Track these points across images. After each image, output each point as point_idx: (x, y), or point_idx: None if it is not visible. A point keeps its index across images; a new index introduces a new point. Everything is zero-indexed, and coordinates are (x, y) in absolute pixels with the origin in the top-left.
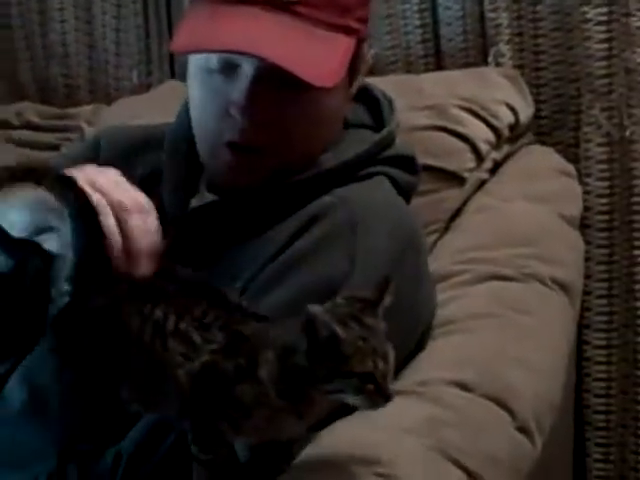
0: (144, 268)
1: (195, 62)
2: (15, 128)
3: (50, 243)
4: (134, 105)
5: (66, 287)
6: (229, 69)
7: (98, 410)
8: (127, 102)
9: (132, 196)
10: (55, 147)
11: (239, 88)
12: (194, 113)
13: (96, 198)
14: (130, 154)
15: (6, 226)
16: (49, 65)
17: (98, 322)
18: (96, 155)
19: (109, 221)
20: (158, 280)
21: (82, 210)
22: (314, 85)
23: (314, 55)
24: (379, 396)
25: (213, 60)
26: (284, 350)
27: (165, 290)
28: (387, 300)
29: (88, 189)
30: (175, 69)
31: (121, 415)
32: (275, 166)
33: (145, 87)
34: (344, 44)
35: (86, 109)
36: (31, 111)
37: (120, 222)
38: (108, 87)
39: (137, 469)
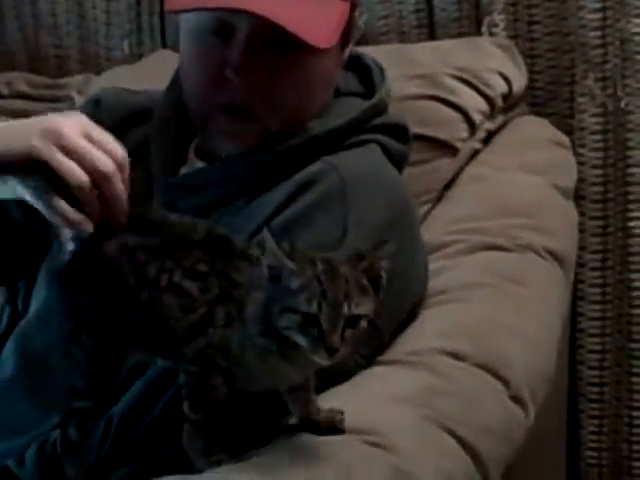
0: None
1: (188, 23)
2: (5, 97)
3: None
4: (125, 75)
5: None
6: (224, 30)
7: (99, 366)
8: (118, 71)
9: (107, 149)
10: None
11: (234, 49)
12: (187, 77)
13: (70, 170)
14: (125, 122)
15: None
16: (39, 35)
17: (100, 278)
18: (97, 116)
19: (87, 196)
20: (146, 232)
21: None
22: (310, 45)
23: (311, 16)
24: (322, 344)
25: (208, 20)
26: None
27: (154, 244)
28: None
29: (60, 158)
30: (166, 38)
31: (118, 374)
32: (268, 130)
33: (136, 57)
34: (339, 7)
35: (77, 79)
36: (21, 81)
37: (100, 190)
38: (99, 57)
39: (127, 434)
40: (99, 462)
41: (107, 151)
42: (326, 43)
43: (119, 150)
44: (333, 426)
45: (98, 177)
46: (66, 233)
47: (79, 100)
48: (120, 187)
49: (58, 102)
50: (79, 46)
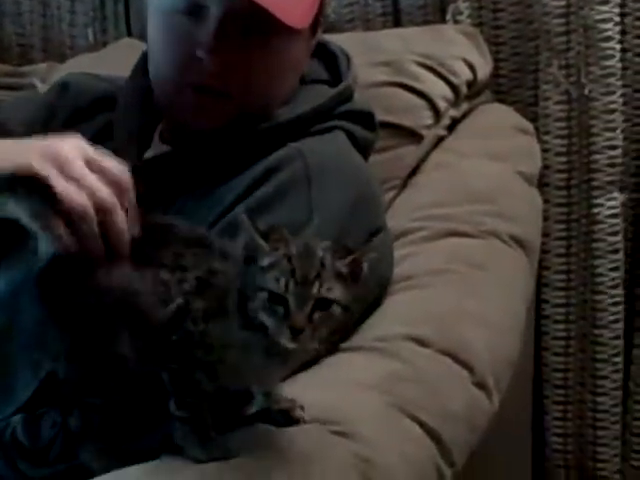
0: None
1: (159, 3)
2: None
3: None
4: (89, 63)
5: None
6: (195, 10)
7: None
8: (82, 60)
9: (109, 174)
10: None
11: (207, 29)
12: (155, 56)
13: (72, 196)
14: (91, 107)
15: None
16: (2, 23)
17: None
18: (64, 100)
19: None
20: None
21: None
22: (284, 25)
23: None
24: (286, 323)
25: (180, 1)
26: None
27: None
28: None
29: (62, 182)
30: (131, 27)
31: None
32: (237, 111)
33: (101, 45)
34: None
35: (40, 67)
36: None
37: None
38: (63, 45)
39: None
40: None
41: (109, 177)
42: (300, 23)
43: (122, 173)
44: (288, 416)
45: (98, 208)
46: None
47: (42, 88)
48: (121, 220)
49: (20, 90)
50: (42, 34)
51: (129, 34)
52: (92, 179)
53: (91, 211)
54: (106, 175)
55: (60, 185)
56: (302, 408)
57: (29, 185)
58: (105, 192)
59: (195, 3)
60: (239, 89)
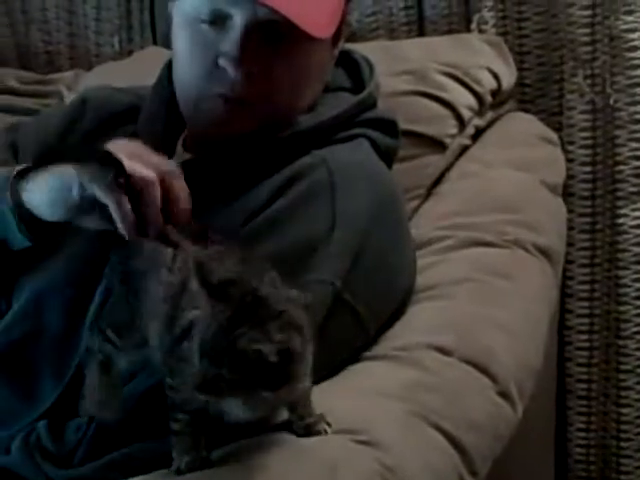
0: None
1: (183, 12)
2: None
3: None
4: (115, 71)
5: None
6: (220, 20)
7: None
8: (108, 68)
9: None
10: (35, 112)
11: (231, 39)
12: (180, 65)
13: (139, 168)
14: (112, 121)
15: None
16: (29, 31)
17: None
18: (81, 116)
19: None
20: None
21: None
22: (308, 35)
23: (309, 5)
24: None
25: (203, 10)
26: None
27: None
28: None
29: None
30: (157, 35)
31: None
32: (260, 120)
33: (126, 53)
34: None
35: (66, 75)
36: (10, 76)
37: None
38: (88, 53)
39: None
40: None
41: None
42: (323, 33)
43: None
44: (310, 430)
45: (162, 173)
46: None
47: (68, 96)
48: (183, 184)
49: (47, 98)
50: (69, 42)
51: (155, 42)
52: (155, 158)
53: (156, 181)
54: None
55: (130, 163)
56: (329, 424)
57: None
58: (165, 161)
59: (219, 12)
60: (262, 98)
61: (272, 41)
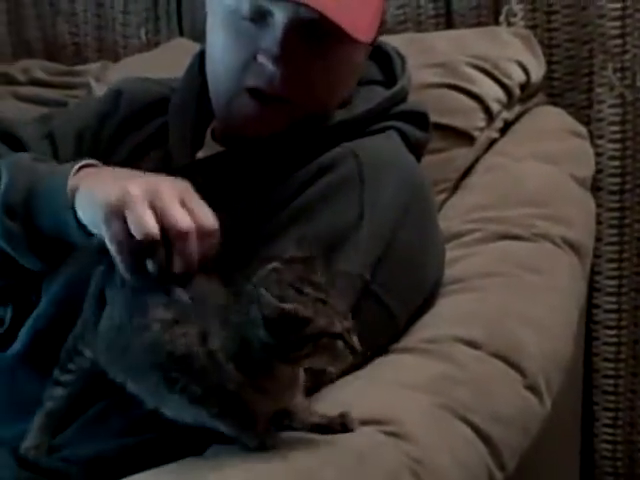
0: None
1: (222, 7)
2: (22, 84)
3: None
4: (142, 63)
5: None
6: (260, 17)
7: None
8: (135, 60)
9: (197, 215)
10: (62, 104)
11: (271, 36)
12: (215, 58)
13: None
14: (146, 112)
15: None
16: (56, 23)
17: None
18: (116, 107)
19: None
20: None
21: None
22: (350, 37)
23: (351, 7)
24: (348, 352)
25: (244, 6)
26: (239, 327)
27: None
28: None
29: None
30: (183, 27)
31: None
32: (294, 117)
33: (153, 45)
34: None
35: (94, 66)
36: (37, 68)
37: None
38: (116, 45)
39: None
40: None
41: (196, 217)
42: (366, 36)
43: (209, 219)
44: (345, 427)
45: (173, 234)
46: None
47: (96, 87)
48: (193, 248)
49: (75, 89)
50: (96, 34)
51: (181, 34)
52: (176, 211)
53: (191, 234)
54: (195, 213)
55: (137, 211)
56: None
57: None
58: (185, 220)
59: (260, 9)
60: (300, 96)
61: (312, 40)
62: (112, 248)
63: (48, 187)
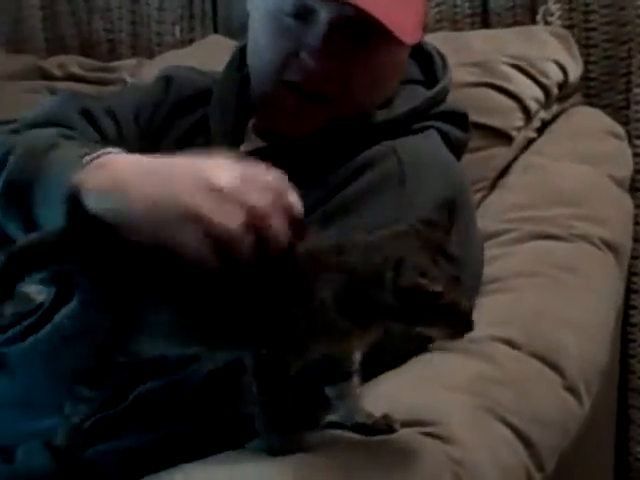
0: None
1: (266, 2)
2: (58, 79)
3: None
4: (177, 59)
5: None
6: (304, 14)
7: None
8: (170, 56)
9: (262, 182)
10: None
11: (315, 34)
12: (256, 53)
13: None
14: (191, 101)
15: None
16: (91, 19)
17: None
18: (167, 94)
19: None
20: None
21: None
22: (395, 38)
23: (397, 7)
24: (464, 329)
25: (288, 2)
26: (365, 280)
27: None
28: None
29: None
30: (218, 24)
31: None
32: (334, 116)
33: (187, 42)
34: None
35: (129, 62)
36: (73, 63)
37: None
38: (150, 42)
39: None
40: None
41: (262, 184)
42: (412, 37)
43: (275, 179)
44: (390, 427)
45: (256, 218)
46: None
47: (131, 83)
48: (280, 224)
49: (110, 85)
50: (131, 31)
51: (215, 31)
52: (245, 190)
53: (239, 235)
54: (258, 181)
55: (216, 215)
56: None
57: None
58: (259, 198)
59: (304, 6)
60: (338, 94)
61: (356, 39)
62: (188, 250)
63: (53, 175)
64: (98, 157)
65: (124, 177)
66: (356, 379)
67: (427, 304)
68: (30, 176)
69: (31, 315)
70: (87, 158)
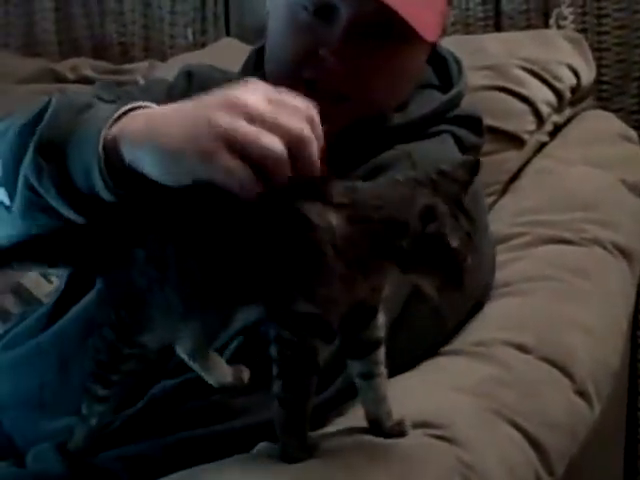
0: None
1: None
2: (70, 82)
3: None
4: (190, 62)
5: None
6: (324, 11)
7: None
8: (183, 58)
9: (293, 107)
10: (111, 102)
11: (334, 30)
12: (273, 49)
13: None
14: None
15: None
16: (104, 22)
17: None
18: (190, 86)
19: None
20: None
21: None
22: (416, 36)
23: (419, 5)
24: (456, 285)
25: (309, 0)
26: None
27: None
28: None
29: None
30: (230, 27)
31: None
32: (352, 116)
33: (200, 45)
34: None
35: (141, 65)
36: (86, 66)
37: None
38: (163, 45)
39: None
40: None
41: (294, 109)
42: (432, 36)
43: (304, 105)
44: (402, 433)
45: (291, 141)
46: None
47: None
48: (314, 151)
49: (123, 86)
50: (143, 34)
51: (228, 34)
52: (279, 113)
53: (284, 155)
54: (290, 106)
55: (250, 132)
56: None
57: None
58: (296, 122)
59: (325, 4)
60: (358, 93)
61: (376, 37)
62: (228, 181)
63: (86, 131)
64: (132, 109)
65: (161, 113)
66: (384, 378)
67: (440, 256)
68: (65, 132)
69: (41, 313)
70: (120, 111)
